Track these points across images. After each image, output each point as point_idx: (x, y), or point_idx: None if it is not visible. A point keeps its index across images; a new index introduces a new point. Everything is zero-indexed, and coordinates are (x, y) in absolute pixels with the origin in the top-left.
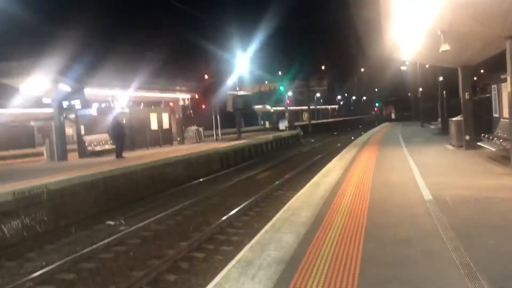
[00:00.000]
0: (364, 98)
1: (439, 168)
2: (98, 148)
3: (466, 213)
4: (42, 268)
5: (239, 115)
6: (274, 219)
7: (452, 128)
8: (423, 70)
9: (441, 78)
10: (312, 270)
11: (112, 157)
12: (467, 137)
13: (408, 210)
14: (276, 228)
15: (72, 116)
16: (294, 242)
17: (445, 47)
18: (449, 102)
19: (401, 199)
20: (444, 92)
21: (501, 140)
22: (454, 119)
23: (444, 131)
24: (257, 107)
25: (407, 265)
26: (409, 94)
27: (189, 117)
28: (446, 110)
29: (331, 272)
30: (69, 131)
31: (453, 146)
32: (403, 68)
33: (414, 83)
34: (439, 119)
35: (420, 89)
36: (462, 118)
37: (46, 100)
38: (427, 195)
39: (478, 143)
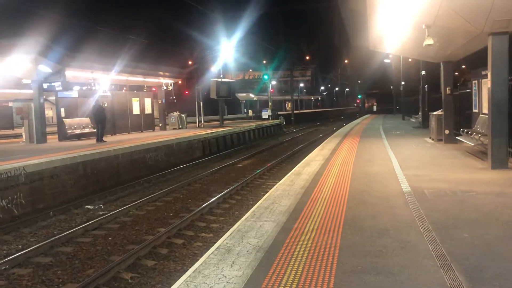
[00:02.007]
0: (347, 89)
1: (418, 161)
2: (78, 131)
3: (443, 205)
4: (18, 251)
5: (222, 102)
6: (255, 207)
7: (433, 122)
8: (406, 64)
9: (423, 72)
10: (291, 258)
11: (93, 140)
12: (447, 131)
13: (386, 201)
14: (256, 216)
15: (53, 98)
16: (274, 230)
17: (429, 41)
18: (430, 96)
19: (380, 190)
20: (426, 86)
21: (479, 135)
22: (434, 113)
23: (424, 124)
24: (241, 95)
25: (384, 255)
26: (392, 87)
27: (172, 103)
28: (428, 104)
29: (310, 261)
30: (49, 113)
31: (432, 139)
32: (386, 61)
33: (396, 77)
34: (420, 113)
35: (403, 83)
36: (442, 113)
37: (26, 81)
38: (405, 187)
39: (457, 138)
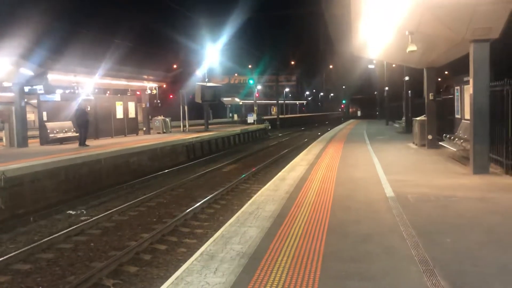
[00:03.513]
0: (332, 94)
1: (401, 166)
2: (60, 135)
3: (426, 211)
4: None
5: (207, 106)
6: (239, 212)
7: (416, 127)
8: (390, 70)
9: (407, 78)
10: (275, 264)
11: (75, 145)
12: (430, 137)
13: (370, 207)
14: (241, 222)
15: (34, 101)
16: (258, 236)
17: (412, 47)
18: (414, 102)
19: (364, 195)
20: (409, 92)
21: (461, 141)
22: (417, 118)
23: (408, 130)
24: (226, 99)
25: (367, 260)
26: (376, 93)
27: (156, 107)
28: (411, 110)
29: (293, 266)
30: (31, 116)
31: (416, 145)
32: (370, 66)
33: (380, 82)
34: (404, 118)
35: (386, 88)
36: (425, 118)
37: (7, 84)
38: (389, 192)
39: (440, 143)
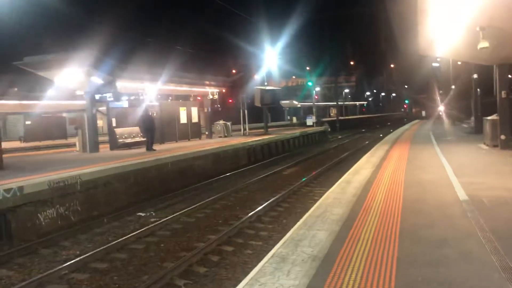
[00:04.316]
0: (394, 95)
1: (473, 168)
2: (128, 140)
3: (505, 215)
4: (76, 257)
5: (266, 110)
6: (306, 215)
7: (487, 127)
8: (455, 67)
9: (475, 76)
10: (348, 268)
11: (143, 149)
12: (503, 137)
13: (443, 211)
14: (309, 225)
15: (103, 108)
16: (328, 240)
17: (484, 44)
18: (483, 101)
19: (436, 199)
20: (478, 90)
21: None
22: (489, 118)
23: (477, 130)
24: (284, 102)
25: (445, 266)
26: (441, 92)
27: (217, 111)
28: (480, 109)
29: (367, 270)
30: (99, 123)
31: (487, 145)
32: (435, 64)
33: (445, 81)
34: (472, 118)
35: (453, 87)
36: (497, 117)
37: (79, 92)
38: (462, 195)
39: None
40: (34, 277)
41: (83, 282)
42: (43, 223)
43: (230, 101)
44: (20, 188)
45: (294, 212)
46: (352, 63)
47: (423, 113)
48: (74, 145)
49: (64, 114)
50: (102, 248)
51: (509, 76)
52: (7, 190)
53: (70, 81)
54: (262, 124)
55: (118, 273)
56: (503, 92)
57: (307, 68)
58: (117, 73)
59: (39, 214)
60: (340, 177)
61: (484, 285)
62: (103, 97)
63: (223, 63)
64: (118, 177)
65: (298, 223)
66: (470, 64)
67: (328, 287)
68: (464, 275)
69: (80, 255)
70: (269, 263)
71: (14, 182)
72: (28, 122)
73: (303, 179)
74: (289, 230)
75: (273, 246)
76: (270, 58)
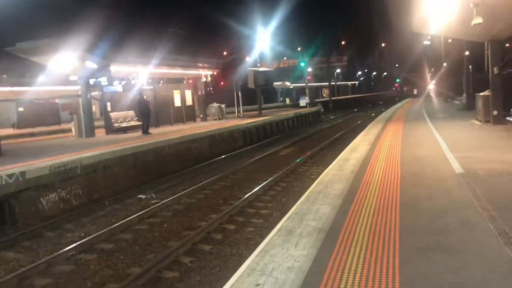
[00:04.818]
0: (385, 74)
1: (467, 143)
2: (124, 125)
3: (500, 186)
4: (81, 238)
5: (259, 91)
6: (308, 191)
7: (479, 103)
8: (446, 45)
9: (467, 53)
10: (353, 238)
11: (139, 133)
12: (495, 112)
13: (440, 183)
14: (311, 200)
15: (95, 93)
16: (331, 213)
17: (478, 20)
18: (474, 77)
19: (432, 172)
20: (470, 67)
21: None
22: (481, 94)
23: (469, 106)
24: (277, 83)
25: (445, 234)
26: (432, 70)
27: (209, 94)
28: (472, 85)
29: (371, 240)
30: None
31: (479, 121)
32: (426, 42)
33: (436, 59)
34: (464, 95)
35: (444, 64)
36: (489, 93)
37: (73, 78)
38: (457, 168)
39: (507, 118)
40: (43, 258)
41: (90, 262)
42: (46, 207)
43: (222, 83)
44: (22, 173)
45: (292, 190)
46: (343, 43)
47: (415, 91)
48: (68, 130)
49: (57, 100)
50: (106, 229)
51: (501, 52)
52: (10, 176)
53: (64, 66)
54: (255, 106)
55: (124, 253)
56: (495, 68)
57: (299, 48)
58: (111, 57)
59: (41, 199)
60: (335, 156)
61: (483, 249)
62: (97, 82)
63: (214, 45)
64: (117, 160)
65: (301, 199)
66: (461, 42)
67: (336, 256)
68: (464, 241)
69: (85, 237)
70: (277, 236)
71: (15, 168)
72: (21, 109)
73: (299, 159)
74: (289, 208)
75: (274, 223)
76: (262, 39)
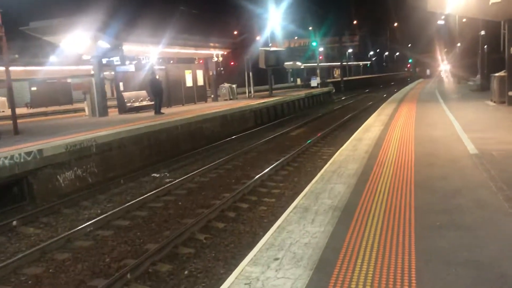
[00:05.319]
0: (397, 54)
1: (481, 124)
2: (136, 104)
3: None
4: (98, 215)
5: (270, 72)
6: (322, 171)
7: (494, 84)
8: (460, 25)
9: (483, 32)
10: (368, 216)
11: (151, 113)
12: (511, 93)
13: (454, 163)
14: (326, 179)
15: (106, 73)
16: (346, 192)
17: None
18: (489, 58)
19: (447, 153)
20: (485, 47)
21: None
22: (496, 74)
23: (483, 87)
24: (287, 63)
25: (460, 212)
26: (445, 50)
27: (220, 74)
28: (486, 66)
29: (387, 218)
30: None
31: (494, 102)
32: (440, 22)
33: (450, 39)
34: (478, 76)
35: (458, 44)
36: (505, 74)
37: (86, 57)
38: (472, 149)
39: None
40: (62, 234)
41: (108, 238)
42: (63, 185)
43: (232, 63)
44: (40, 151)
45: (304, 171)
46: (355, 22)
47: (428, 72)
48: (80, 110)
49: (69, 80)
50: (122, 207)
51: None
52: (28, 153)
53: (77, 45)
54: (266, 87)
55: (140, 230)
56: (511, 48)
57: (310, 28)
58: (123, 36)
59: (58, 176)
60: (347, 137)
61: (499, 227)
62: (110, 61)
63: (225, 24)
64: (131, 139)
65: (316, 178)
66: (476, 21)
67: (352, 233)
68: (479, 220)
69: (101, 214)
70: (293, 213)
71: (32, 146)
72: (34, 88)
73: (311, 140)
74: (301, 187)
75: (287, 202)
76: (274, 18)
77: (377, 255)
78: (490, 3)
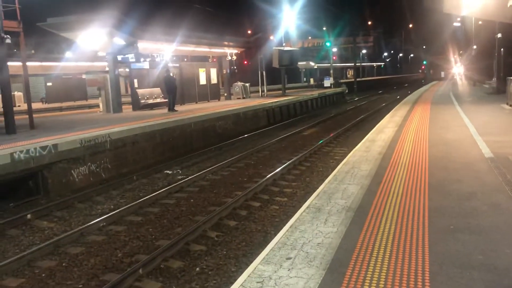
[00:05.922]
0: (411, 55)
1: (496, 127)
2: (150, 101)
3: None
4: (111, 210)
5: (284, 71)
6: (335, 171)
7: (511, 87)
8: (476, 27)
9: (499, 35)
10: (382, 217)
11: (164, 110)
12: None
13: (469, 167)
14: (339, 180)
15: (120, 70)
16: (359, 193)
17: None
18: (506, 61)
19: (461, 156)
20: (502, 49)
21: None
22: None
23: (499, 90)
24: (301, 63)
25: (475, 216)
26: (460, 52)
27: (233, 72)
28: (503, 69)
29: (401, 220)
30: None
31: (510, 106)
32: (456, 24)
33: (466, 41)
34: (494, 78)
35: (474, 47)
36: None
37: (101, 54)
38: (487, 153)
39: None
40: (75, 228)
41: (120, 233)
42: (77, 180)
43: (246, 62)
44: (55, 146)
45: (316, 170)
46: (369, 23)
47: (442, 74)
48: (94, 106)
49: (83, 76)
50: (135, 202)
51: None
52: (43, 148)
53: (93, 42)
54: (279, 86)
55: (153, 226)
56: None
57: (324, 28)
58: (138, 34)
59: (72, 171)
60: (360, 138)
61: None
62: (125, 58)
63: (239, 23)
64: (145, 136)
65: (328, 178)
66: (492, 24)
67: (365, 233)
68: (494, 224)
69: (114, 209)
70: (306, 213)
71: (48, 140)
72: (49, 84)
73: (323, 140)
74: (313, 187)
75: (298, 202)
76: (288, 17)
77: (390, 257)
78: (508, 5)
